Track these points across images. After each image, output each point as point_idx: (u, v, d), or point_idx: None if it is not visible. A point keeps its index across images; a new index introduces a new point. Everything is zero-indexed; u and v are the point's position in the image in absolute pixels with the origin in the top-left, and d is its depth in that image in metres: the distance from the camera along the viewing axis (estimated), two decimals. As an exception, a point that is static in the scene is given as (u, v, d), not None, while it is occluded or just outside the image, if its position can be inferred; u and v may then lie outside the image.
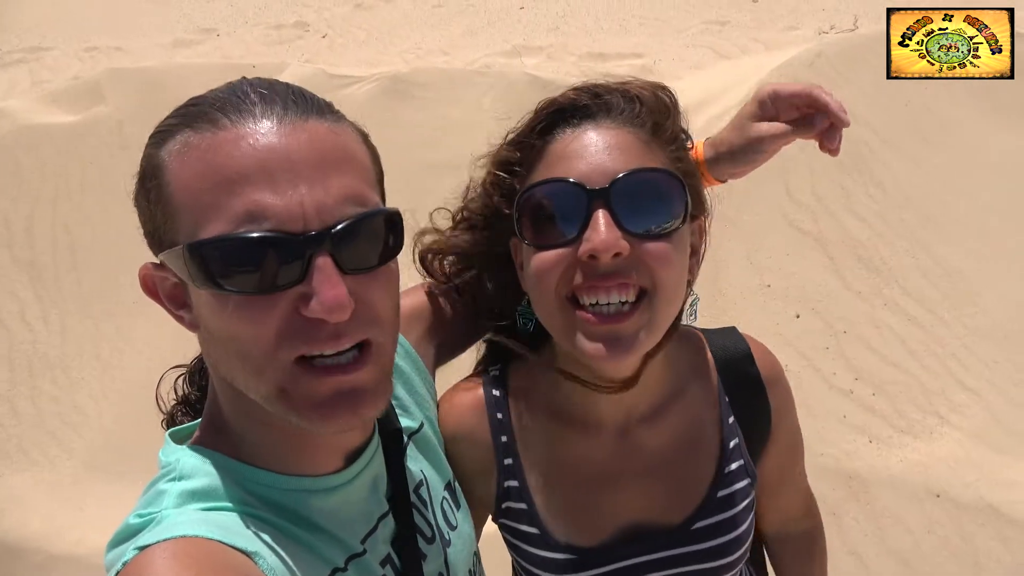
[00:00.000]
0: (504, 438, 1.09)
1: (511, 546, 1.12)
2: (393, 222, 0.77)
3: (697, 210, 0.99)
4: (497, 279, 1.07)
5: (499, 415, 1.09)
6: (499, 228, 1.02)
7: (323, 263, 0.69)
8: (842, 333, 3.15)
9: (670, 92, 0.98)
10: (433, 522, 0.97)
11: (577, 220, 0.87)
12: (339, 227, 0.70)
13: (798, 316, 3.19)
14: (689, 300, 1.01)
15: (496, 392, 1.10)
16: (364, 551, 0.85)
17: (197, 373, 1.01)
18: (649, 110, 0.94)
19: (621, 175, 0.87)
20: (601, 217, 0.85)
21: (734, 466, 1.08)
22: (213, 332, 0.73)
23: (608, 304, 0.88)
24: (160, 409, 1.01)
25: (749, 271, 3.28)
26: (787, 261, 3.31)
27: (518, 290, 1.03)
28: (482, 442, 1.09)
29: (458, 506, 1.06)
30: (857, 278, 3.28)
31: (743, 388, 1.07)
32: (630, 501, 1.07)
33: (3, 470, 3.36)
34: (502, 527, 1.11)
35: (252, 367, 0.72)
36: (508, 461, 1.08)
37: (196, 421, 0.89)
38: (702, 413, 1.09)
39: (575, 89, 0.95)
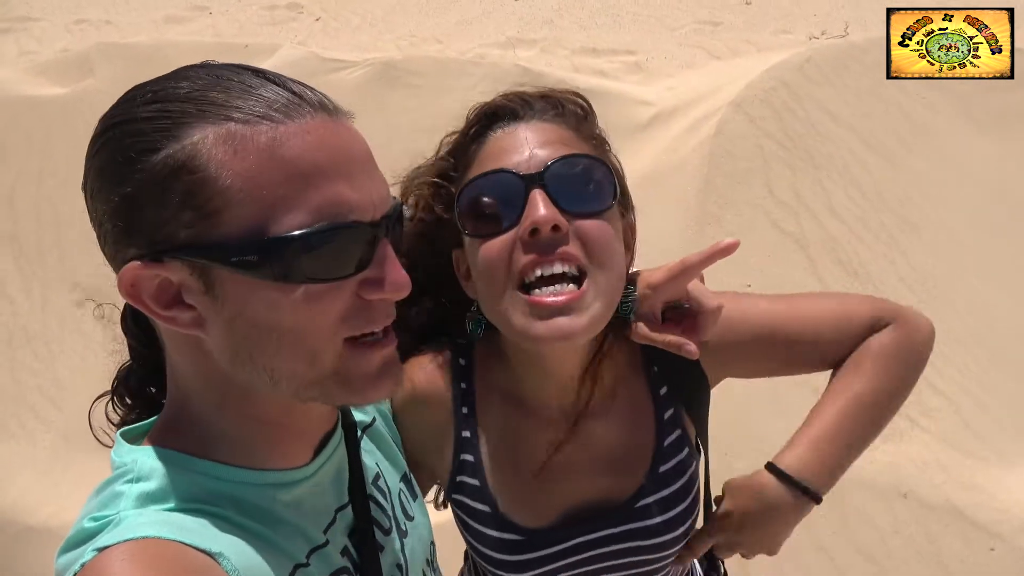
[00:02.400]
0: (465, 409, 1.11)
1: (461, 524, 1.13)
2: (402, 212, 0.83)
3: (625, 205, 1.06)
4: (440, 293, 1.12)
5: (463, 384, 1.12)
6: (440, 239, 1.07)
7: (389, 248, 0.76)
8: (819, 334, 3.21)
9: (585, 100, 1.06)
10: (391, 513, 0.98)
11: (516, 205, 0.93)
12: (391, 215, 0.77)
13: (777, 316, 3.23)
14: (626, 295, 1.03)
15: (463, 361, 1.13)
16: (327, 542, 0.86)
17: (128, 391, 0.95)
18: (570, 110, 1.03)
19: (553, 161, 0.94)
20: (539, 197, 0.92)
21: (673, 437, 1.10)
22: (266, 325, 0.73)
23: (553, 280, 0.92)
24: (101, 443, 0.95)
25: (731, 270, 3.32)
26: (768, 262, 3.36)
27: (462, 302, 1.09)
28: (444, 409, 1.12)
29: (415, 497, 1.07)
30: (836, 280, 3.33)
31: (667, 354, 1.02)
32: (577, 486, 1.10)
33: (-20, 442, 3.35)
34: (454, 503, 1.13)
35: (308, 353, 0.74)
36: (466, 434, 1.11)
37: (148, 420, 0.87)
38: (637, 394, 1.12)
39: (503, 95, 1.03)
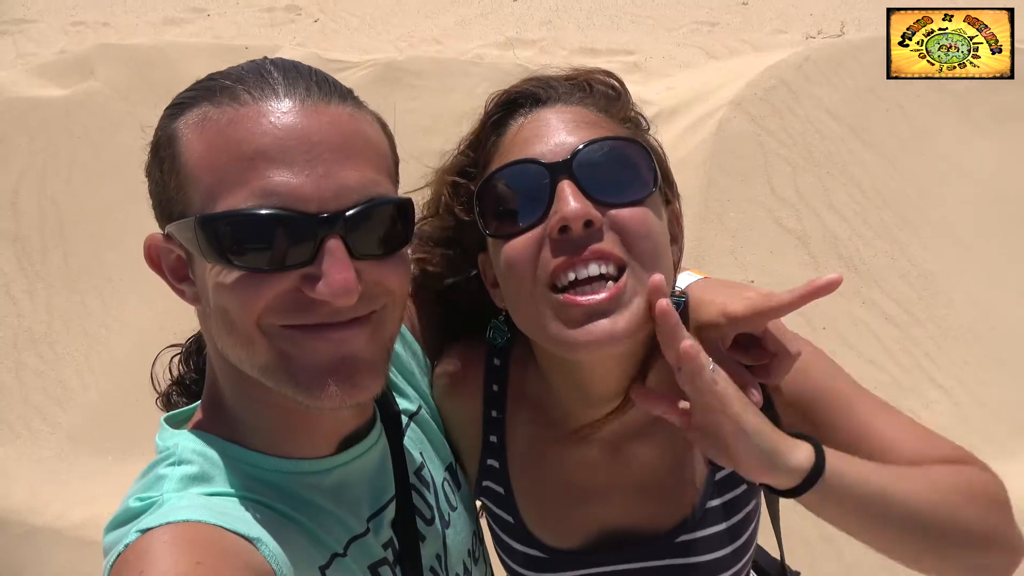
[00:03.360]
0: (494, 413, 1.03)
1: (489, 529, 1.08)
2: (405, 210, 0.77)
3: (669, 191, 0.93)
4: (469, 299, 1.01)
5: (495, 387, 1.02)
6: (466, 243, 0.96)
7: (334, 246, 0.69)
8: (821, 329, 3.24)
9: (617, 78, 0.95)
10: (434, 503, 0.97)
11: (542, 199, 0.81)
12: (353, 211, 0.70)
13: (779, 312, 3.26)
14: (675, 296, 0.91)
15: (497, 361, 1.03)
16: (367, 530, 0.85)
17: (193, 353, 0.99)
18: (599, 92, 0.91)
19: (581, 146, 0.82)
20: (567, 188, 0.80)
21: (727, 471, 0.98)
22: (212, 306, 0.73)
23: (589, 281, 0.80)
24: (155, 388, 0.99)
25: (734, 267, 3.36)
26: (771, 258, 3.39)
27: (491, 308, 0.98)
28: (473, 409, 1.03)
29: (459, 487, 1.05)
30: (837, 277, 3.36)
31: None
32: (614, 511, 1.00)
33: (-14, 442, 3.35)
34: (482, 506, 1.07)
35: (240, 339, 0.72)
36: (493, 438, 1.03)
37: (192, 406, 0.88)
38: None
39: (525, 80, 0.92)
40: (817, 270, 3.38)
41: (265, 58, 0.77)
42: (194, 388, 0.97)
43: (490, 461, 1.03)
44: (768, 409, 0.91)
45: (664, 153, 0.94)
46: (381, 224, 0.74)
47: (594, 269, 0.80)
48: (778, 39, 5.89)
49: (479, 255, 0.95)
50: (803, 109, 3.77)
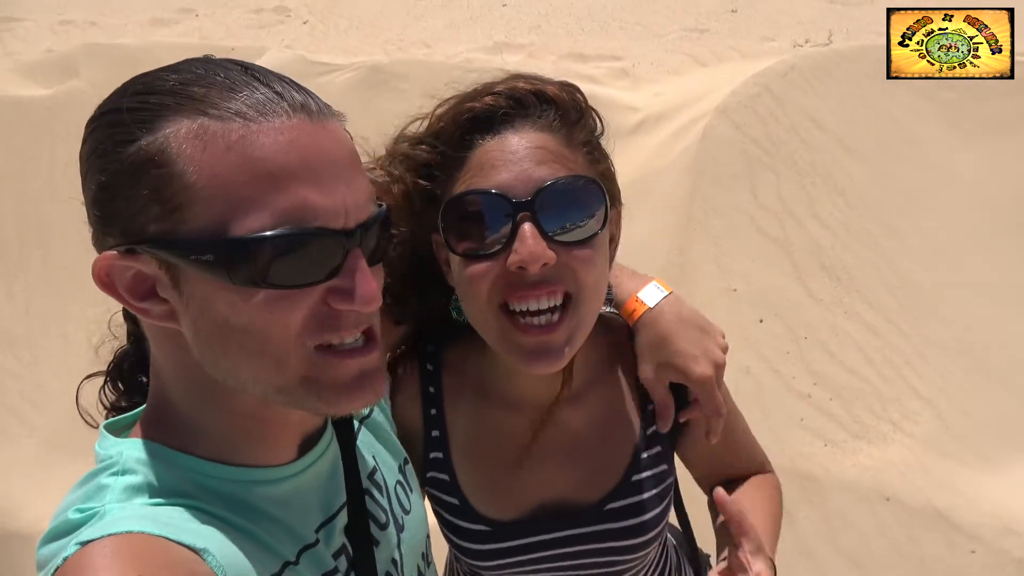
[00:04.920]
0: (433, 411, 1.14)
1: (435, 514, 1.16)
2: (389, 219, 0.80)
3: (614, 205, 1.03)
4: (421, 276, 1.08)
5: (431, 388, 1.15)
6: (419, 225, 1.03)
7: (358, 259, 0.73)
8: (803, 339, 3.24)
9: (581, 92, 1.01)
10: (387, 507, 0.97)
11: (504, 231, 0.91)
12: (367, 224, 0.74)
13: (761, 321, 3.26)
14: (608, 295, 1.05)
15: (430, 366, 1.16)
16: (317, 541, 0.84)
17: (122, 375, 0.96)
18: (563, 113, 0.97)
19: (545, 185, 0.90)
20: (527, 229, 0.89)
21: (652, 451, 1.14)
22: (228, 325, 0.71)
23: (539, 312, 0.93)
24: (87, 423, 0.96)
25: (716, 275, 3.35)
26: (753, 267, 3.39)
27: (444, 286, 1.06)
28: (415, 412, 1.15)
29: (411, 489, 1.06)
30: (820, 286, 3.36)
31: None
32: (549, 479, 1.12)
33: (-39, 446, 3.32)
34: (428, 495, 1.16)
35: (272, 359, 0.72)
36: (435, 433, 1.14)
37: (131, 413, 0.86)
38: (622, 398, 1.15)
39: (493, 95, 0.96)
40: (799, 279, 3.38)
41: (235, 62, 0.75)
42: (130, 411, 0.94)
43: (433, 454, 1.14)
44: (681, 403, 1.14)
45: (614, 168, 1.05)
46: (380, 233, 0.78)
47: (544, 303, 0.93)
48: (766, 47, 5.90)
49: (432, 235, 1.02)
50: (788, 117, 3.77)
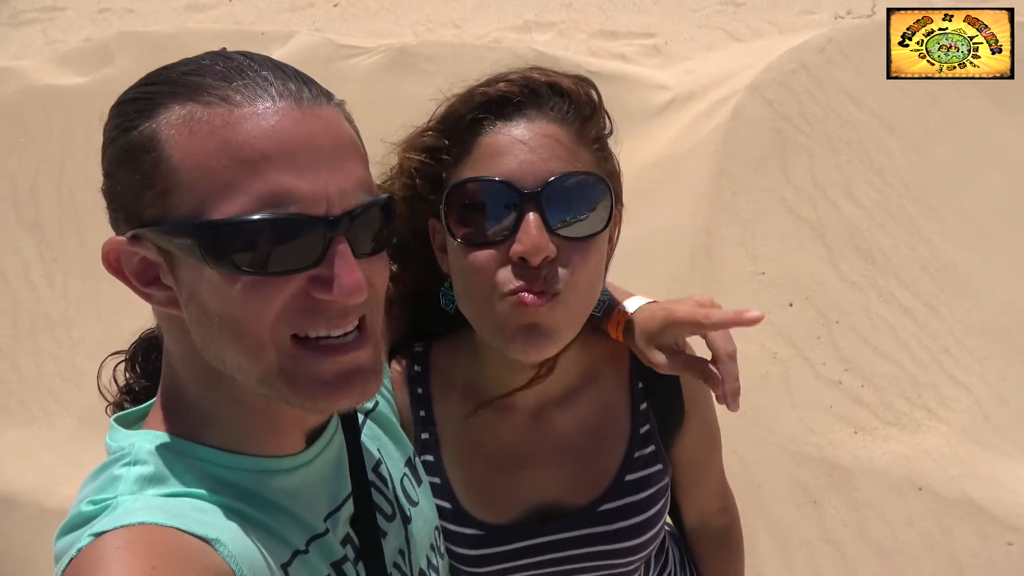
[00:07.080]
0: (422, 412, 1.13)
1: None
2: (391, 209, 0.79)
3: (617, 207, 1.02)
4: (415, 262, 1.09)
5: (419, 390, 1.14)
6: (417, 209, 1.03)
7: (342, 247, 0.71)
8: (835, 323, 3.15)
9: (595, 88, 1.01)
10: (393, 499, 0.98)
11: (509, 221, 0.91)
12: (356, 213, 0.72)
13: (791, 305, 3.18)
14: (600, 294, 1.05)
15: (417, 368, 1.15)
16: (326, 530, 0.85)
17: (140, 358, 0.99)
18: (576, 107, 0.96)
19: (553, 178, 0.90)
20: (532, 220, 0.89)
21: (646, 451, 1.12)
22: (210, 312, 0.72)
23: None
24: (104, 398, 0.99)
25: (744, 258, 3.27)
26: (783, 250, 3.30)
27: (436, 272, 1.06)
28: (405, 414, 1.14)
29: (419, 482, 1.06)
30: (853, 268, 3.26)
31: (656, 375, 1.07)
32: (540, 482, 1.11)
33: (3, 424, 3.44)
34: None
35: (249, 347, 0.72)
36: (425, 435, 1.13)
37: (142, 405, 0.88)
38: (614, 398, 1.13)
39: (507, 81, 0.95)
40: (831, 261, 3.28)
41: (235, 52, 0.76)
42: (143, 396, 0.96)
43: (424, 456, 1.13)
44: (678, 397, 1.12)
45: (619, 167, 1.04)
46: (375, 223, 0.76)
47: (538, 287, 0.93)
48: (805, 20, 5.72)
49: (430, 220, 1.03)
50: (824, 94, 3.64)
